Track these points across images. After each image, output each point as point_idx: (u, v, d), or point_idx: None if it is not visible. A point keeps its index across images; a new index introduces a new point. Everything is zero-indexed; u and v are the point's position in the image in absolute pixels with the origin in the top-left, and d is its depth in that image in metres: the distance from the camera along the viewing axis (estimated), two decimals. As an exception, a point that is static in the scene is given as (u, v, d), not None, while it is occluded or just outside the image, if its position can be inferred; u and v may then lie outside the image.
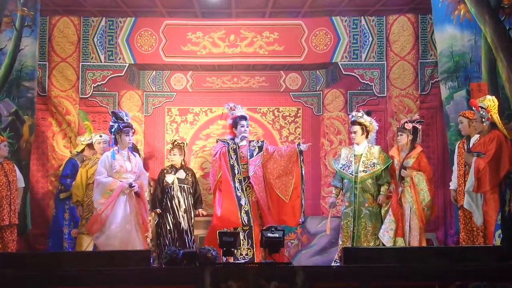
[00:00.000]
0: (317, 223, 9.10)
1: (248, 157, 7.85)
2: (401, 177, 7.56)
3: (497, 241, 6.56)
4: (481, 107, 6.91)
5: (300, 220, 7.83)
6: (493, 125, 6.92)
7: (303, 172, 7.86)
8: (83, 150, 8.70)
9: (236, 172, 7.78)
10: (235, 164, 7.80)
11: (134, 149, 8.34)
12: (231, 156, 7.82)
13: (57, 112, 9.34)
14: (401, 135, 7.70)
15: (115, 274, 5.06)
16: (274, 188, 7.88)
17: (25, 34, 8.34)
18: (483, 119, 6.91)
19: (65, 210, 8.55)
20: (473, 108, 7.08)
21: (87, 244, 8.04)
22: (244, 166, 7.81)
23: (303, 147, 7.85)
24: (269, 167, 7.91)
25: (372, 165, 7.65)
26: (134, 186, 7.29)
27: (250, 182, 7.79)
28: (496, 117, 6.89)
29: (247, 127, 7.99)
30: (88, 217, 7.89)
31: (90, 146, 8.60)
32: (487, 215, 6.81)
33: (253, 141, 8.16)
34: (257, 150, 7.92)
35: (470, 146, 7.03)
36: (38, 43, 8.78)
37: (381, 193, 7.60)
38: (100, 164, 7.35)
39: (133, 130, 7.61)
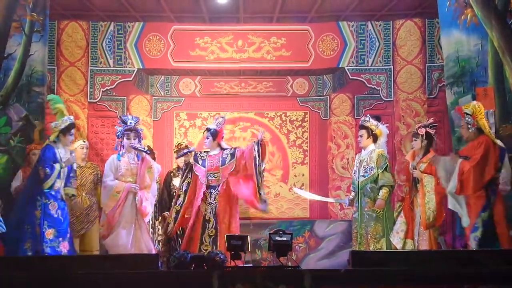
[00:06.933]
0: (325, 226, 9.14)
1: (220, 165, 7.56)
2: (415, 181, 7.58)
3: (472, 243, 6.55)
4: (466, 113, 6.84)
5: (261, 201, 7.35)
6: (479, 130, 6.82)
7: (256, 148, 7.32)
8: (58, 137, 7.21)
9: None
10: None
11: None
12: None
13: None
14: (415, 140, 7.70)
15: (122, 278, 5.08)
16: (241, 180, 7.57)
17: (34, 39, 8.28)
18: (469, 126, 6.84)
19: (37, 207, 7.03)
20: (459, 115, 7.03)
21: None
22: (215, 174, 7.55)
23: (259, 135, 7.47)
24: (242, 166, 7.51)
25: (370, 169, 7.68)
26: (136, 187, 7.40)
27: (219, 190, 7.48)
28: (482, 122, 6.74)
29: (206, 138, 7.68)
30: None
31: (65, 131, 7.21)
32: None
33: (226, 149, 7.72)
34: (229, 157, 7.58)
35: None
36: (47, 48, 8.75)
37: (378, 197, 7.59)
38: (106, 166, 7.47)
39: (136, 133, 7.58)
